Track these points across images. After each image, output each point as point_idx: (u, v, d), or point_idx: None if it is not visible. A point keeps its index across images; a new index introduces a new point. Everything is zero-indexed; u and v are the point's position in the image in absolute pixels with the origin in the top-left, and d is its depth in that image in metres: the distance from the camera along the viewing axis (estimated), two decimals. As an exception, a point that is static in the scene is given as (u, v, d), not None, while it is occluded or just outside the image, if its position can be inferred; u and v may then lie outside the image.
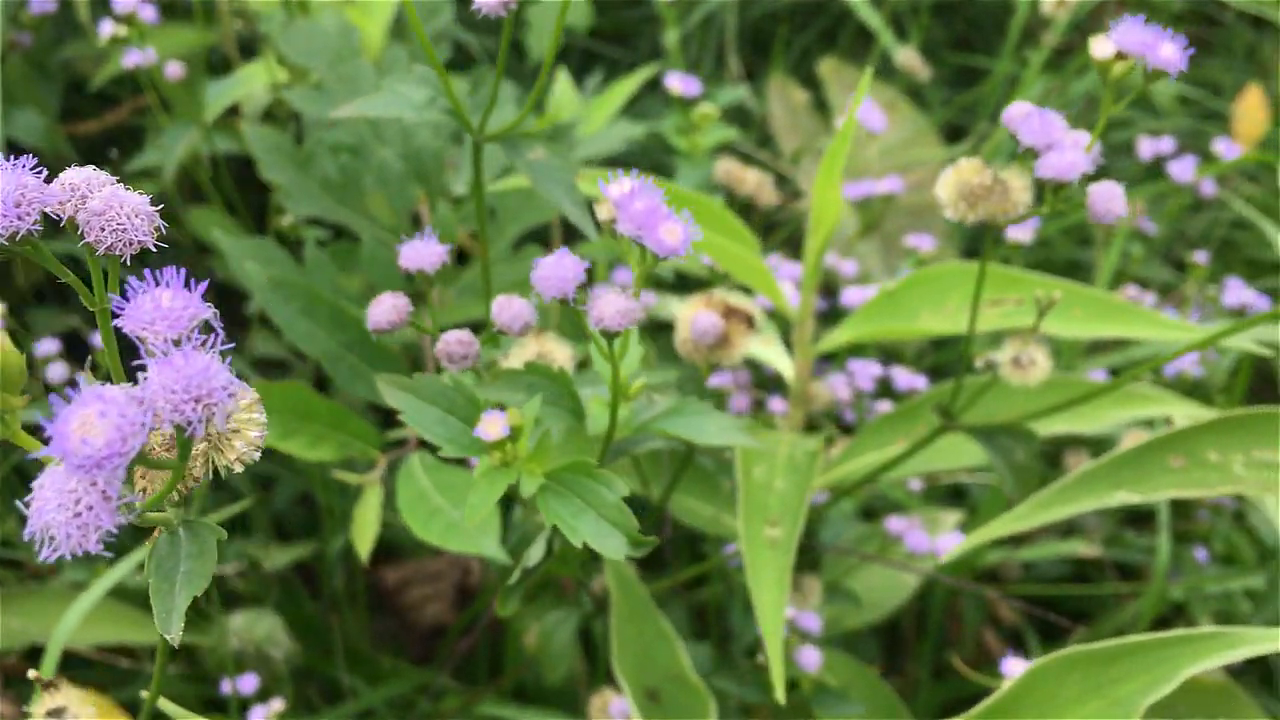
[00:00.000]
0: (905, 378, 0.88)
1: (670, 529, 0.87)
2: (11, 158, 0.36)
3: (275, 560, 1.02)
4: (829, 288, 1.04)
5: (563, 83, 1.13)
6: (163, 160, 0.95)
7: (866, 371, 0.84)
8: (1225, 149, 1.08)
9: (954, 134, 1.59)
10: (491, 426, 0.41)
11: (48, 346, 0.81)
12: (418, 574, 1.32)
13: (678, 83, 0.91)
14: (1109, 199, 0.47)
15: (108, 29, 0.84)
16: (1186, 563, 1.02)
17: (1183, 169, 1.07)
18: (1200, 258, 1.11)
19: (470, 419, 0.44)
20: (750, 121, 1.43)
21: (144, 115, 1.32)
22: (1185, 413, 0.78)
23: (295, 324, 0.68)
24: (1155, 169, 1.25)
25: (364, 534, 0.68)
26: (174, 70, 0.92)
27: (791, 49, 1.60)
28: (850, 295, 0.82)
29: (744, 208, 1.16)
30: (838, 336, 0.69)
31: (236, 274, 0.70)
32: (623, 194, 0.40)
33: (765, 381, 0.87)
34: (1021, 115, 0.49)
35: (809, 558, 0.89)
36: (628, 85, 1.06)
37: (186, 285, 0.35)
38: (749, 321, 0.57)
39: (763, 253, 1.14)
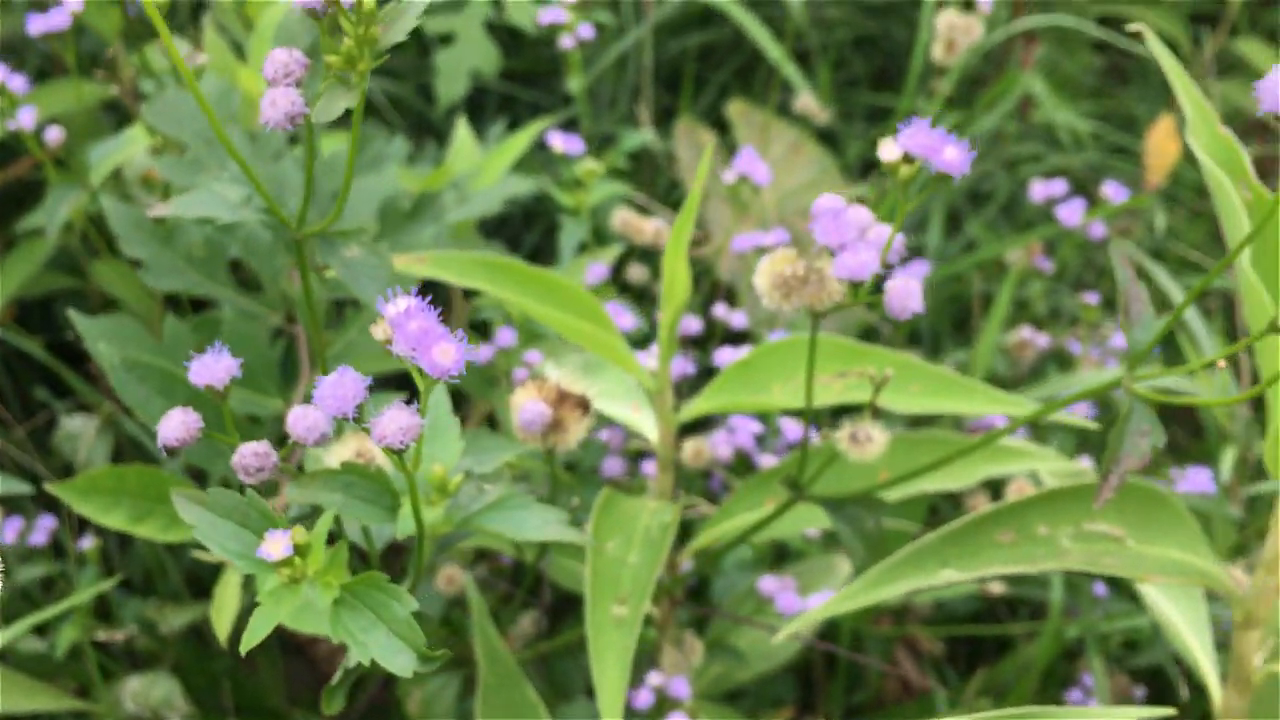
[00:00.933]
0: (794, 429, 0.89)
1: (551, 591, 0.87)
2: None
3: (171, 621, 1.01)
4: (729, 335, 1.05)
5: (462, 134, 1.14)
6: (47, 212, 0.94)
7: (747, 428, 0.84)
8: (1113, 193, 1.10)
9: (868, 169, 1.60)
10: (274, 547, 0.41)
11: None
12: (331, 625, 1.32)
13: (559, 141, 0.92)
14: (905, 297, 0.48)
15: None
16: (1085, 597, 1.03)
17: (1070, 213, 1.09)
18: (1092, 299, 1.13)
19: (264, 532, 0.44)
20: (658, 166, 1.44)
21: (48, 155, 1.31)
22: (1052, 469, 0.79)
23: (150, 405, 0.68)
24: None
25: (223, 614, 0.68)
26: (54, 135, 0.92)
27: (708, 86, 1.62)
28: (722, 355, 0.83)
29: (645, 254, 1.17)
30: (696, 407, 0.70)
31: (91, 353, 0.70)
32: (398, 314, 0.41)
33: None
34: (826, 209, 0.49)
35: (694, 615, 0.89)
36: (523, 139, 1.07)
37: None
38: (583, 406, 0.58)
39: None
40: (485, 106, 1.53)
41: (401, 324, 0.40)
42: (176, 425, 0.44)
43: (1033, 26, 1.36)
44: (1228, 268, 0.50)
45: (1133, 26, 0.59)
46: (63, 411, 1.10)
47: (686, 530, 0.92)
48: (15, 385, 1.25)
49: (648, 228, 1.07)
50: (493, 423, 1.14)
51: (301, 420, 0.43)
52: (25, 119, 0.89)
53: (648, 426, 0.75)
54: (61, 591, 1.03)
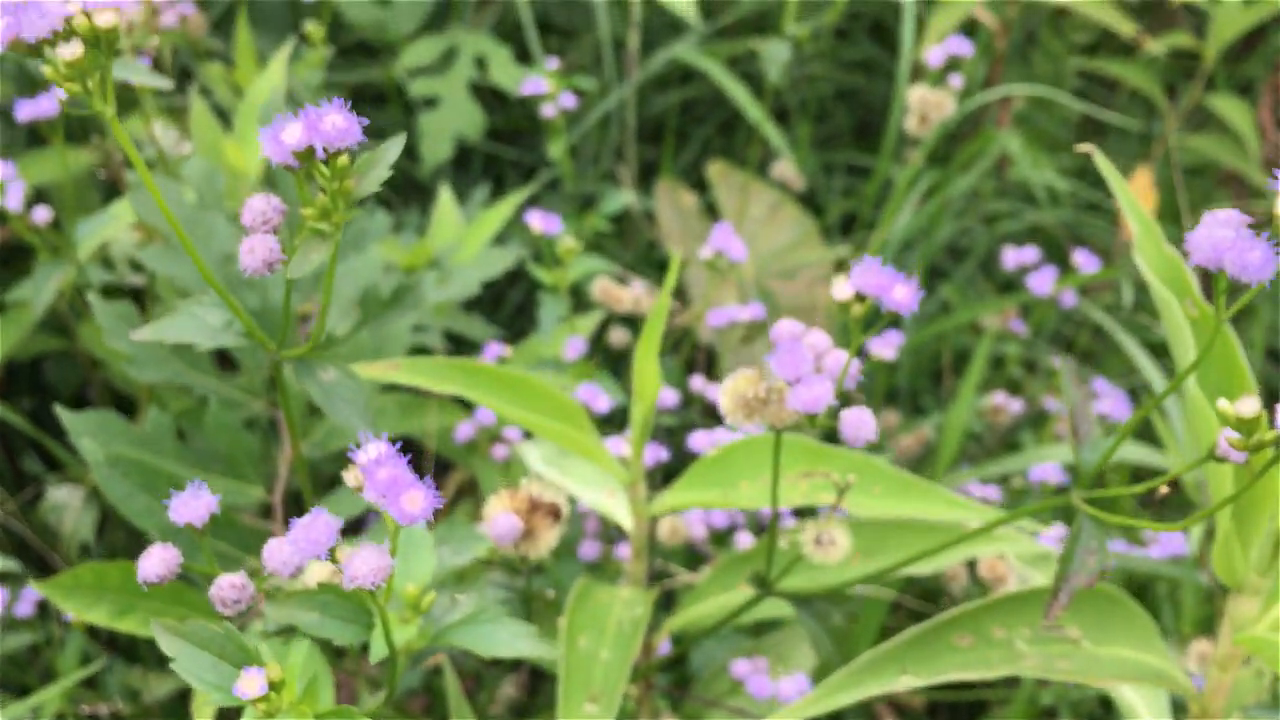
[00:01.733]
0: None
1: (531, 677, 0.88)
2: None
3: (155, 691, 1.02)
4: (709, 409, 1.06)
5: (445, 203, 1.16)
6: (35, 291, 0.95)
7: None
8: (1084, 261, 1.12)
9: (849, 225, 1.63)
10: (250, 685, 0.42)
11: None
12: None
13: (538, 221, 0.94)
14: (858, 425, 0.50)
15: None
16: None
17: (1041, 281, 1.11)
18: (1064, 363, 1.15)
19: (241, 664, 0.45)
20: (638, 224, 1.46)
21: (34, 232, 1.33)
22: (1019, 551, 0.81)
23: (133, 500, 0.69)
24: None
25: (204, 708, 0.69)
26: (42, 215, 0.93)
27: (690, 141, 1.64)
28: (697, 440, 0.85)
29: (626, 320, 1.19)
30: (666, 501, 0.71)
31: (77, 446, 0.71)
32: (369, 461, 0.42)
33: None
34: (784, 337, 0.51)
35: (672, 687, 0.90)
36: (503, 209, 1.09)
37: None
38: (555, 514, 0.59)
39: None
40: (469, 164, 1.56)
41: (372, 471, 0.42)
42: (156, 563, 0.45)
43: (1008, 94, 1.39)
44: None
45: (1081, 148, 0.61)
46: (51, 480, 1.12)
47: (668, 599, 0.93)
48: (3, 449, 1.26)
49: (626, 297, 1.09)
50: (472, 487, 1.16)
51: (277, 554, 0.45)
52: (13, 199, 0.90)
53: (622, 514, 0.77)
54: (47, 659, 1.04)
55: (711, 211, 1.43)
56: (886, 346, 1.06)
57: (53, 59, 0.43)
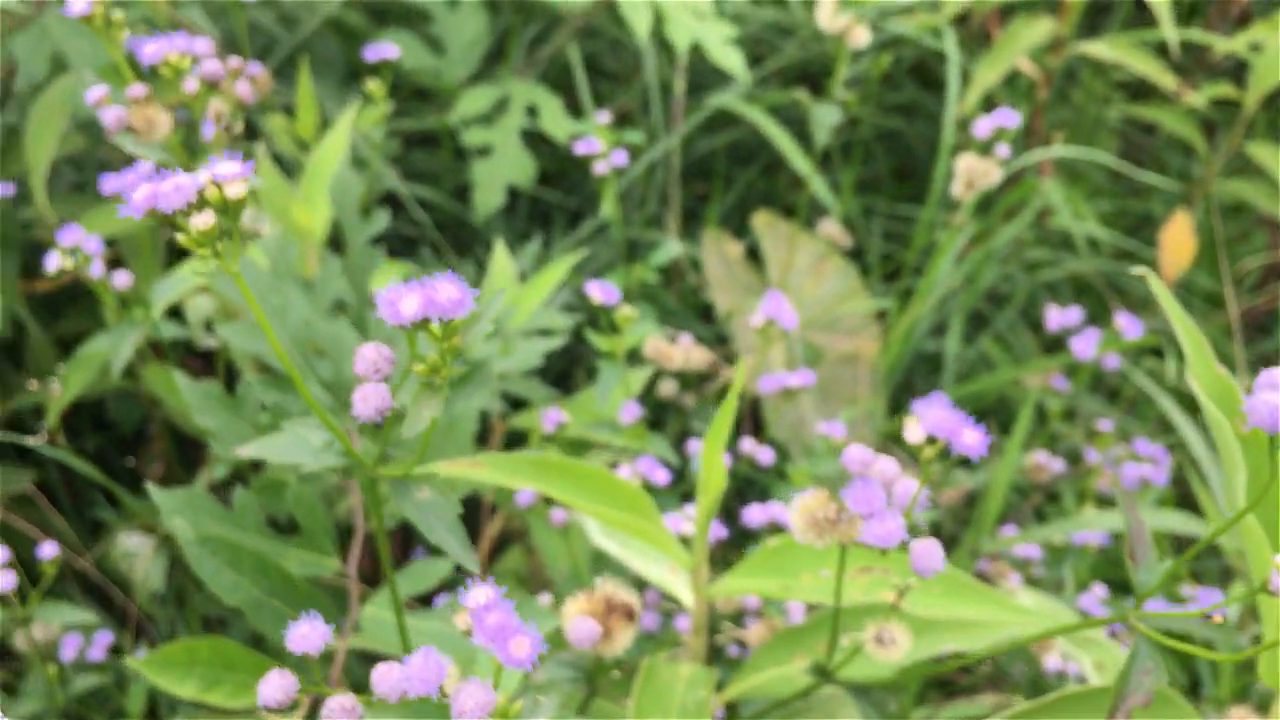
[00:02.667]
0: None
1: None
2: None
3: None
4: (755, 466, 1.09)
5: (500, 257, 1.19)
6: (112, 350, 0.99)
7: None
8: (1127, 324, 1.14)
9: (889, 266, 1.65)
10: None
11: None
12: None
13: (598, 292, 0.97)
14: (928, 557, 0.53)
15: (54, 263, 0.89)
16: None
17: (1085, 345, 1.13)
18: (1105, 426, 1.18)
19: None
20: (682, 270, 1.49)
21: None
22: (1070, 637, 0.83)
23: (220, 577, 0.73)
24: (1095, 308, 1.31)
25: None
26: (122, 280, 0.97)
27: (732, 184, 1.67)
28: (751, 514, 0.88)
29: (677, 375, 1.22)
30: (726, 586, 0.74)
31: (167, 527, 0.75)
32: (479, 606, 0.46)
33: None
34: (855, 465, 0.54)
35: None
36: (558, 271, 1.12)
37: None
38: (630, 615, 0.63)
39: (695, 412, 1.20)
40: (515, 206, 1.59)
41: (481, 617, 0.45)
42: (275, 689, 0.49)
43: (1051, 156, 1.40)
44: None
45: (1137, 270, 0.63)
46: (121, 526, 1.16)
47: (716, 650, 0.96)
48: (70, 492, 1.31)
49: (676, 355, 1.12)
50: (520, 533, 1.19)
51: (387, 679, 0.48)
52: (96, 268, 0.94)
53: (682, 591, 0.80)
54: (117, 703, 1.08)
55: (755, 257, 1.45)
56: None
57: (185, 226, 0.47)
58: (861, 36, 1.12)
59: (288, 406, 0.84)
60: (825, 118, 1.14)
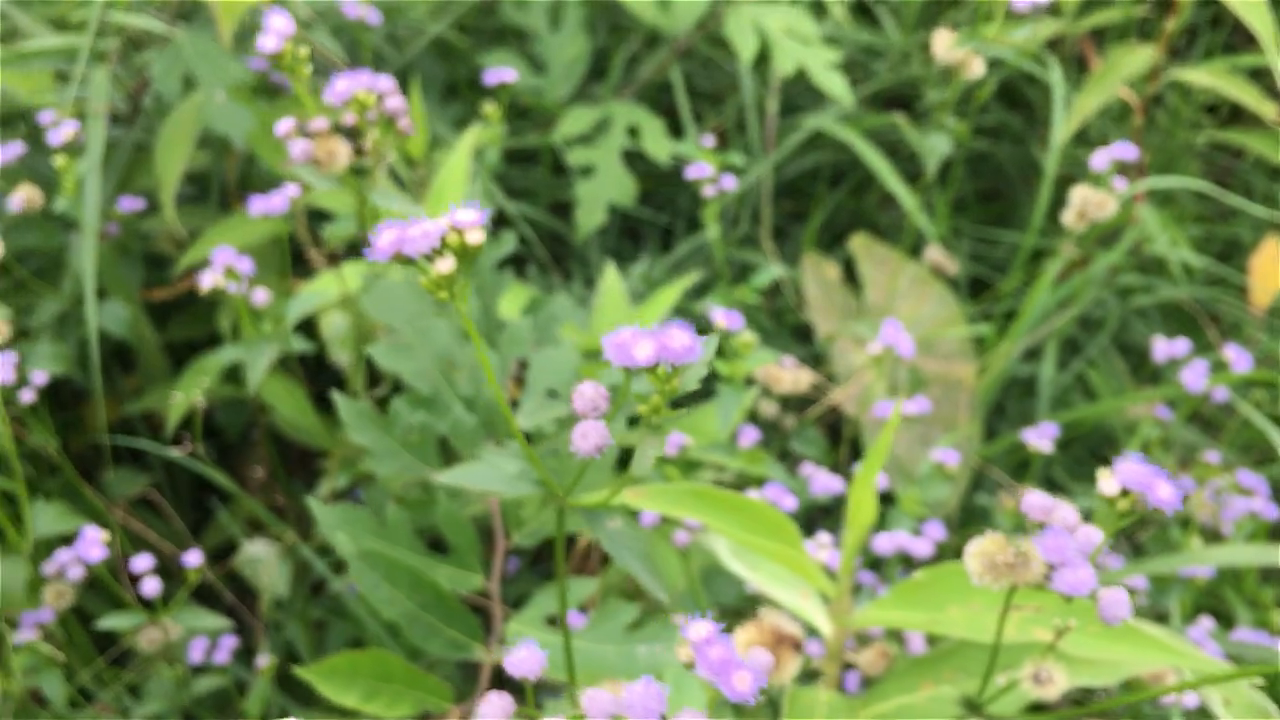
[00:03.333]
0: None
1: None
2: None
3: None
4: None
5: (610, 278, 1.21)
6: (247, 362, 1.02)
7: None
8: (1235, 356, 1.14)
9: (976, 286, 1.66)
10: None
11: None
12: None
13: (722, 318, 0.99)
14: (1115, 605, 0.54)
15: (209, 281, 0.92)
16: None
17: (1194, 377, 1.14)
18: (1213, 457, 1.18)
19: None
20: (779, 288, 1.50)
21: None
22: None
23: (378, 590, 0.76)
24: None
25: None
26: (261, 297, 1.01)
27: (821, 204, 1.68)
28: (880, 543, 0.89)
29: (782, 399, 1.24)
30: (868, 616, 0.76)
31: (327, 538, 0.78)
32: (700, 639, 0.48)
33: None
34: (1038, 512, 0.56)
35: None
36: (670, 295, 1.14)
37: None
38: (797, 646, 0.65)
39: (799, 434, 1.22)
40: (609, 225, 1.61)
41: (703, 650, 0.47)
42: (495, 708, 0.51)
43: (1154, 186, 1.41)
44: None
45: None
46: (244, 533, 1.20)
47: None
48: (173, 497, 1.35)
49: (786, 379, 1.14)
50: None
51: (597, 705, 0.50)
52: (260, 296, 0.98)
53: (818, 618, 0.82)
54: (236, 707, 1.12)
55: (850, 278, 1.47)
56: (1043, 439, 1.10)
57: (426, 269, 0.49)
58: (977, 67, 1.14)
59: (434, 426, 0.87)
60: (936, 146, 1.16)
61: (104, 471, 1.29)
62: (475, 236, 0.49)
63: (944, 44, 1.12)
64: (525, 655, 0.52)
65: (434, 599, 0.78)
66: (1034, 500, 0.57)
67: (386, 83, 0.73)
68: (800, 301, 1.44)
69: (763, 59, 1.53)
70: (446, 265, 0.49)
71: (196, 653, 1.05)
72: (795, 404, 1.38)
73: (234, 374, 1.34)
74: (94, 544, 0.90)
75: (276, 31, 0.71)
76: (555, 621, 0.95)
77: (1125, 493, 0.53)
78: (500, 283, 1.01)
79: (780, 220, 1.68)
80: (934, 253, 1.33)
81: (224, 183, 1.35)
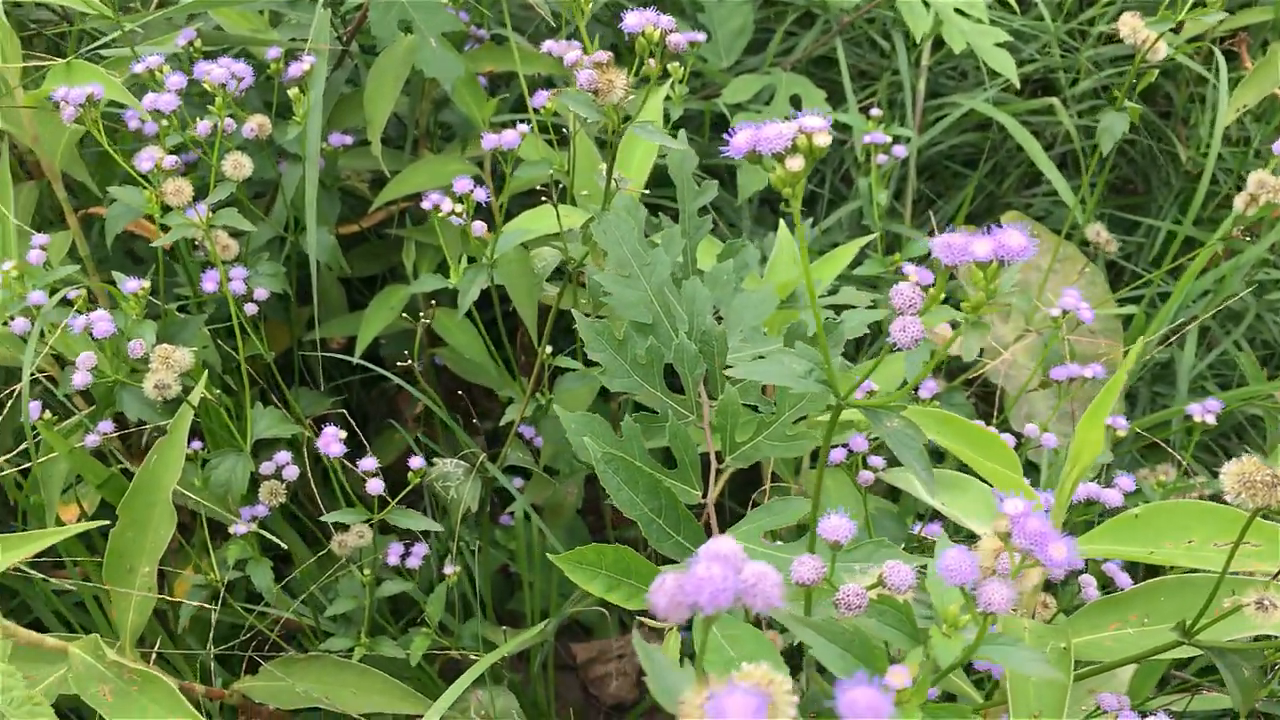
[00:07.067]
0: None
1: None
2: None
3: (509, 647, 1.16)
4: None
5: (784, 234, 1.26)
6: (460, 291, 1.08)
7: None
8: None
9: (1112, 271, 1.69)
10: (897, 678, 0.54)
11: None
12: (604, 653, 1.46)
13: (915, 272, 1.04)
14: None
15: (447, 206, 0.99)
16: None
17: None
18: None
19: (864, 658, 0.57)
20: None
21: (392, 220, 1.49)
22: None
23: (620, 493, 0.82)
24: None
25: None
26: (479, 228, 1.07)
27: (961, 181, 1.72)
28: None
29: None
30: (1083, 549, 0.81)
31: (574, 446, 0.85)
32: (1017, 512, 0.53)
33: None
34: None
35: None
36: (850, 251, 1.19)
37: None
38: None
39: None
40: (768, 199, 1.67)
41: (1021, 523, 0.53)
42: (809, 569, 0.57)
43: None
44: None
45: None
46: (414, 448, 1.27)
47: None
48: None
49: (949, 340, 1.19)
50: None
51: (851, 595, 0.56)
52: (479, 227, 1.04)
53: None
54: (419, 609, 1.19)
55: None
56: (1207, 413, 1.14)
57: (778, 167, 0.55)
58: (1160, 50, 1.17)
59: (658, 350, 0.93)
60: (1115, 126, 1.19)
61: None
62: (822, 140, 0.55)
63: (1129, 27, 1.16)
64: (837, 523, 0.57)
65: (669, 504, 0.84)
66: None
67: (667, 21, 0.79)
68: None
69: (913, 41, 1.57)
70: (796, 164, 0.55)
71: (393, 556, 1.12)
72: (944, 371, 1.43)
73: (412, 309, 1.40)
74: (332, 440, 0.98)
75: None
76: (774, 536, 1.01)
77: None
78: (703, 226, 1.07)
79: (916, 198, 1.72)
80: (1096, 230, 1.37)
81: (415, 127, 1.43)
